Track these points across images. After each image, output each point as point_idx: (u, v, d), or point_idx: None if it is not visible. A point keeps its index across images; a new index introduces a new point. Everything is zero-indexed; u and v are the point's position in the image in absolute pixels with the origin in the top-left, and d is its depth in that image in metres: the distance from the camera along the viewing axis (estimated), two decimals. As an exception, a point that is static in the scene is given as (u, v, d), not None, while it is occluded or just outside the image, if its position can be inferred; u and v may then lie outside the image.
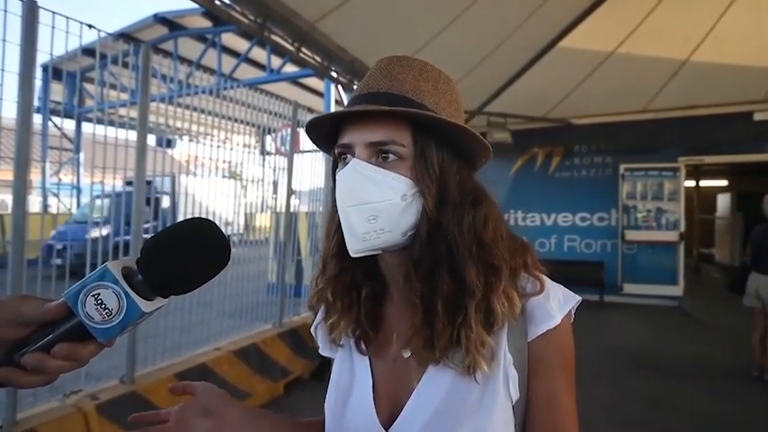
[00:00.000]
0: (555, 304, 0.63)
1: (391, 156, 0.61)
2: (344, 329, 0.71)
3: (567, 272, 7.01)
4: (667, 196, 7.41)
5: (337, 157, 0.66)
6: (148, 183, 3.11)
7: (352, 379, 0.71)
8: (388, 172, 0.60)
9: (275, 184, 4.70)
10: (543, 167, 8.02)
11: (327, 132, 0.67)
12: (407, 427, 0.62)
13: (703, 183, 11.83)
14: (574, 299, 0.66)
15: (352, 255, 0.62)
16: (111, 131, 3.00)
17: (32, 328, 0.48)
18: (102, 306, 0.47)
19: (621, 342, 5.41)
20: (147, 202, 3.22)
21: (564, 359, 0.64)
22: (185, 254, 0.51)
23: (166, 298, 0.52)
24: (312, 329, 0.79)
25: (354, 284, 0.70)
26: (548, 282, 0.66)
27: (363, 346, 0.70)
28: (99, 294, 0.47)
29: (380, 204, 0.60)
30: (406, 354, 0.65)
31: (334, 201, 0.67)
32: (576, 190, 7.82)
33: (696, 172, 10.65)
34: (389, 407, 0.65)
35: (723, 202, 11.96)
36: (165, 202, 5.33)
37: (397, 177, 0.60)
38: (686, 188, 7.77)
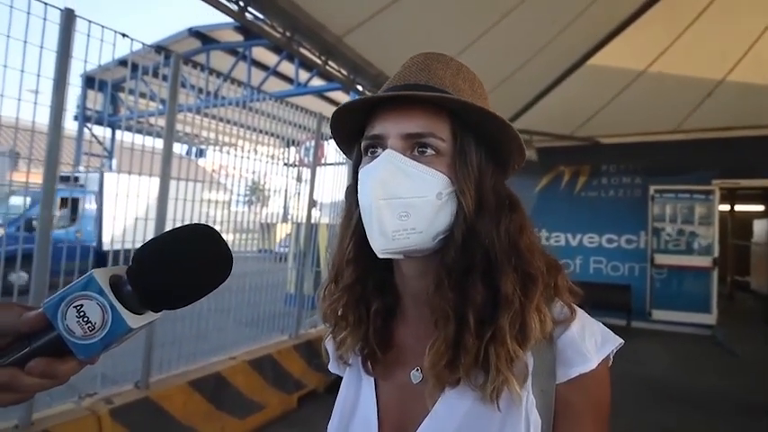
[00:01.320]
0: (591, 345, 0.56)
1: (429, 150, 0.56)
2: (352, 347, 0.65)
3: (593, 294, 6.71)
4: (699, 220, 7.13)
5: (363, 151, 0.60)
6: (65, 179, 2.59)
7: (356, 402, 0.66)
8: (425, 167, 0.55)
9: (298, 194, 4.73)
10: (569, 186, 7.85)
11: (351, 128, 0.62)
12: None
13: (738, 207, 11.39)
14: (614, 341, 0.58)
15: (380, 255, 0.56)
16: (147, 140, 3.08)
17: (8, 340, 0.43)
18: (85, 319, 0.41)
19: (649, 371, 5.16)
20: (64, 202, 2.72)
21: (597, 410, 0.57)
22: (182, 263, 0.46)
23: (158, 312, 0.47)
24: (323, 344, 0.74)
25: (364, 298, 0.64)
26: (583, 316, 0.59)
27: (370, 367, 0.65)
28: (82, 306, 0.42)
29: (414, 200, 0.55)
30: (417, 378, 0.59)
31: (349, 204, 0.62)
32: (603, 210, 7.61)
33: (731, 196, 10.25)
34: None
35: (760, 227, 11.44)
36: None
37: (434, 173, 0.55)
38: (720, 212, 7.47)
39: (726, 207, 10.21)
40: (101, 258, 2.48)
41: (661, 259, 7.18)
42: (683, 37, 5.10)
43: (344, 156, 0.69)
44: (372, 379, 0.65)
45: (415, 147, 0.56)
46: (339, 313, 0.66)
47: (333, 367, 0.72)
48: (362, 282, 0.64)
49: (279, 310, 4.41)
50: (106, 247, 2.45)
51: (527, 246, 0.58)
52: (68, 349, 0.42)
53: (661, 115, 6.48)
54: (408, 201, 0.54)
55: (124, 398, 2.72)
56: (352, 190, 0.62)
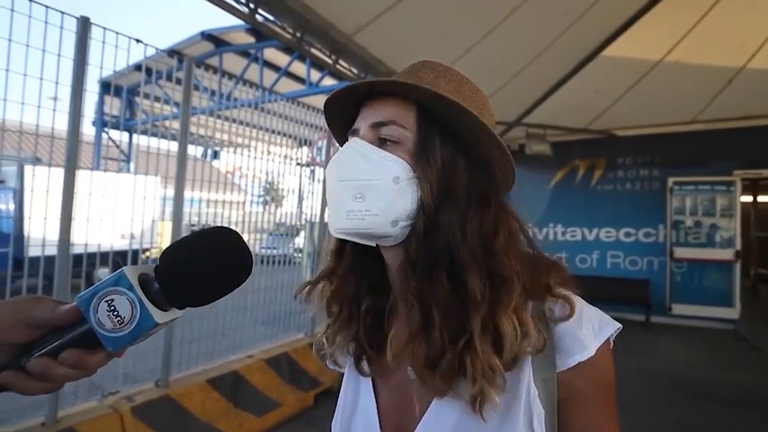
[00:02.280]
0: (588, 331, 0.56)
1: (390, 137, 0.58)
2: (341, 346, 0.66)
3: (610, 289, 6.70)
4: (720, 212, 6.96)
5: None
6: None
7: (356, 402, 0.66)
8: (383, 151, 0.57)
9: (311, 193, 4.76)
10: (585, 180, 7.73)
11: (346, 124, 0.65)
12: None
13: (762, 198, 11.07)
14: (612, 325, 0.58)
15: (333, 234, 0.59)
16: (162, 143, 3.14)
17: (43, 332, 0.46)
18: (115, 313, 0.44)
19: (669, 367, 5.07)
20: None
21: (601, 393, 0.57)
22: (207, 264, 0.48)
23: (182, 310, 0.50)
24: (317, 342, 0.72)
25: (357, 297, 0.65)
26: (580, 304, 0.59)
27: (365, 367, 0.65)
28: (112, 300, 0.44)
29: (368, 182, 0.56)
30: (412, 375, 0.59)
31: None
32: (620, 204, 7.48)
33: (753, 186, 9.97)
34: None
35: (785, 219, 11.12)
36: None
37: (392, 158, 0.57)
38: (743, 204, 7.27)
39: (748, 198, 9.95)
40: (19, 266, 2.38)
41: (681, 253, 7.04)
42: (701, 24, 4.97)
43: None
44: (369, 378, 0.65)
45: (380, 135, 0.59)
46: (328, 306, 0.67)
47: (331, 364, 0.73)
48: (351, 277, 0.65)
49: (294, 308, 4.45)
50: (36, 251, 2.29)
51: (501, 246, 0.57)
52: (98, 342, 0.45)
53: (679, 106, 6.33)
54: (363, 183, 0.56)
55: (145, 396, 2.78)
56: None
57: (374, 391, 0.65)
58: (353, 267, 0.64)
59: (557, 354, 0.56)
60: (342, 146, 0.67)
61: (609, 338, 0.57)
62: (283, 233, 4.61)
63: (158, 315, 0.46)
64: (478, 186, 0.59)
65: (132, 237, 2.89)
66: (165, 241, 3.50)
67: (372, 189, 0.56)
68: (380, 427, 0.62)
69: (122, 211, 2.85)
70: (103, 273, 3.91)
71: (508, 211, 0.61)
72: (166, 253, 0.48)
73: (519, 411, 0.54)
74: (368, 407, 0.64)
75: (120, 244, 2.99)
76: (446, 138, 0.58)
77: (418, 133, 0.58)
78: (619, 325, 0.59)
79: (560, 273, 0.61)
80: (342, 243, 0.64)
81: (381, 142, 0.59)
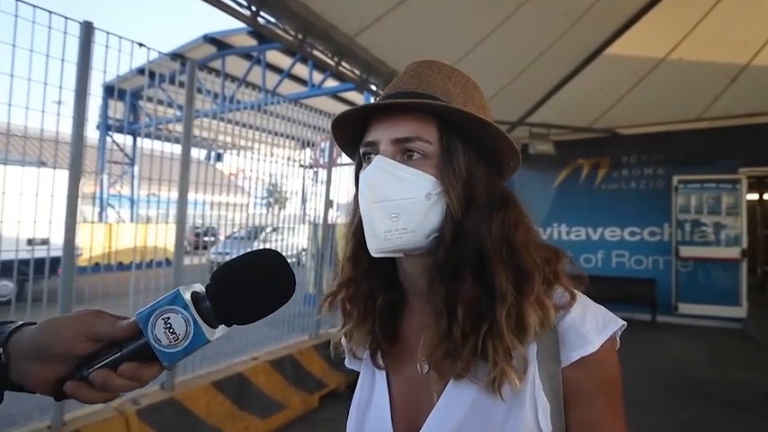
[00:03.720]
0: (591, 327, 0.58)
1: (416, 153, 0.59)
2: (359, 341, 0.69)
3: (616, 289, 6.66)
4: (726, 210, 6.92)
5: (362, 157, 0.64)
6: None
7: (370, 395, 0.69)
8: (413, 169, 0.58)
9: (314, 195, 4.76)
10: (589, 179, 7.70)
11: (353, 135, 0.66)
12: None
13: (768, 196, 10.99)
14: (615, 323, 0.59)
15: (373, 254, 0.60)
16: (166, 146, 3.14)
17: (102, 345, 0.48)
18: (171, 330, 0.47)
19: (676, 367, 5.03)
20: None
21: (606, 389, 0.58)
22: (256, 286, 0.51)
23: (229, 327, 0.53)
24: (332, 340, 0.76)
25: (371, 294, 0.67)
26: (584, 300, 0.60)
27: (380, 361, 0.68)
28: (169, 318, 0.47)
29: (403, 202, 0.58)
30: (425, 368, 0.62)
31: (354, 206, 0.65)
32: (624, 203, 7.44)
33: (759, 184, 9.91)
34: (408, 426, 0.62)
35: (791, 216, 11.03)
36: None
37: (422, 175, 0.58)
38: (749, 201, 7.22)
39: (754, 196, 9.89)
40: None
41: (686, 251, 7.00)
42: (705, 21, 4.94)
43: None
44: (384, 372, 0.68)
45: (404, 151, 0.59)
46: (343, 307, 0.69)
47: (349, 363, 0.76)
48: (368, 280, 0.67)
49: (299, 310, 4.45)
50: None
51: (522, 242, 0.59)
52: (154, 356, 0.48)
53: (683, 103, 6.30)
54: (398, 203, 0.58)
55: (151, 398, 2.79)
56: (356, 193, 0.66)
57: (388, 384, 0.67)
58: (369, 270, 0.66)
59: (561, 349, 0.57)
60: (350, 157, 0.70)
61: (613, 336, 0.58)
62: (244, 236, 4.42)
63: (209, 333, 0.49)
64: (497, 188, 0.62)
65: (43, 242, 2.39)
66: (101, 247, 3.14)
67: (406, 208, 0.58)
68: (392, 419, 0.64)
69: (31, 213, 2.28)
70: (4, 286, 3.71)
71: (521, 208, 0.63)
72: (218, 273, 0.51)
73: (525, 398, 0.55)
74: (381, 400, 0.66)
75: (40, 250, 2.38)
76: (467, 147, 0.60)
77: (441, 146, 0.59)
78: (623, 323, 0.60)
79: (563, 262, 0.63)
80: (357, 250, 0.66)
81: (407, 157, 0.59)
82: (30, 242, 2.33)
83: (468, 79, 0.65)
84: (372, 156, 0.61)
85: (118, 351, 0.48)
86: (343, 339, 0.74)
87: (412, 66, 0.65)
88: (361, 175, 0.62)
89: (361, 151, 0.63)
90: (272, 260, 0.54)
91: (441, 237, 0.59)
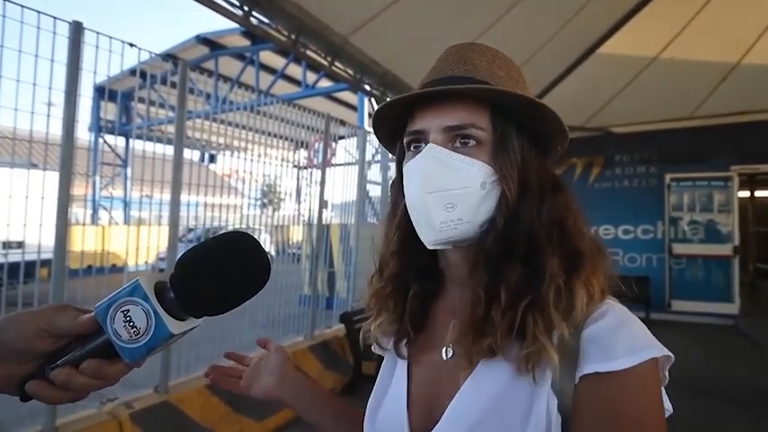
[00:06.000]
0: (621, 344, 0.51)
1: (471, 141, 0.57)
2: (385, 330, 0.67)
3: (609, 286, 6.68)
4: (718, 207, 6.98)
5: (406, 147, 0.61)
6: None
7: (389, 381, 0.67)
8: (468, 158, 0.56)
9: (308, 195, 4.75)
10: (582, 178, 7.73)
11: (392, 125, 0.63)
12: None
13: (759, 193, 11.10)
14: (657, 350, 0.52)
15: (429, 246, 0.58)
16: (158, 147, 3.11)
17: (67, 340, 0.45)
18: (131, 324, 0.43)
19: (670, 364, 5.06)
20: None
21: (615, 422, 0.49)
22: (224, 271, 0.46)
23: (200, 319, 0.48)
24: (363, 327, 0.73)
25: (405, 283, 0.66)
26: (625, 314, 0.56)
27: (404, 350, 0.66)
28: (128, 311, 0.43)
29: (459, 192, 0.56)
30: (448, 353, 0.60)
31: (395, 198, 0.63)
32: (618, 201, 7.48)
33: (751, 182, 10.00)
34: (424, 415, 0.60)
35: (782, 213, 11.15)
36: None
37: (477, 164, 0.56)
38: (740, 199, 7.29)
39: (746, 193, 9.98)
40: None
41: (679, 249, 7.06)
42: (696, 20, 4.98)
43: (387, 153, 0.70)
44: (406, 361, 0.66)
45: (457, 138, 0.57)
46: (382, 301, 0.67)
47: (376, 348, 0.74)
48: (408, 270, 0.65)
49: (294, 311, 4.44)
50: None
51: (573, 223, 0.58)
52: (117, 352, 0.44)
53: (675, 102, 6.34)
54: (454, 192, 0.55)
55: (144, 402, 2.76)
56: (398, 185, 0.64)
57: (408, 373, 0.65)
58: (411, 261, 0.65)
59: (579, 359, 0.52)
60: (389, 149, 0.67)
61: (651, 364, 0.51)
62: (193, 239, 4.19)
63: (174, 325, 0.44)
64: (548, 172, 0.61)
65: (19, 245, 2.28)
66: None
67: (463, 198, 0.56)
68: (408, 408, 0.62)
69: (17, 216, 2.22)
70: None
71: (569, 191, 0.62)
72: (182, 259, 0.47)
73: (545, 395, 0.52)
74: (398, 388, 0.65)
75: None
76: (520, 132, 0.58)
77: (495, 133, 0.57)
78: (668, 353, 0.54)
79: (604, 261, 0.60)
80: (402, 243, 0.63)
81: (459, 145, 0.57)
82: (5, 245, 2.30)
83: (511, 62, 0.63)
84: (421, 145, 0.58)
85: (81, 347, 0.45)
86: (372, 327, 0.71)
87: (453, 49, 0.62)
88: (407, 166, 0.59)
89: (405, 140, 0.61)
90: (242, 242, 0.49)
91: (492, 226, 0.57)
